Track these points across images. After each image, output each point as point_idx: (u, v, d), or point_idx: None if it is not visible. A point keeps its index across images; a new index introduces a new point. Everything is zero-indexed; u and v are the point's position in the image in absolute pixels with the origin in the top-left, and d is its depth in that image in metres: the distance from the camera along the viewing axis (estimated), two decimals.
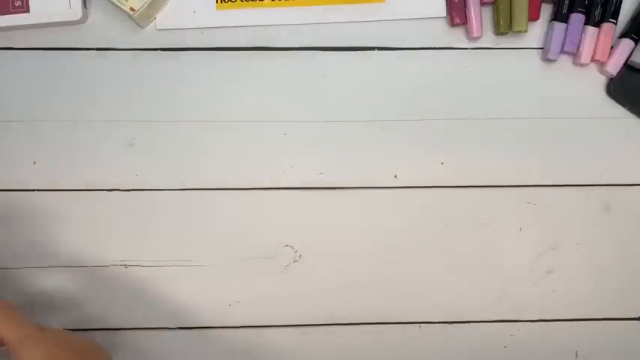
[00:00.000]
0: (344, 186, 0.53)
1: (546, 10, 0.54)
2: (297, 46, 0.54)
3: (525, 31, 0.52)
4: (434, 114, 0.54)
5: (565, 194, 0.54)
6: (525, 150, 0.54)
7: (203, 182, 0.53)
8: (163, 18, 0.53)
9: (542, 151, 0.54)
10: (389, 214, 0.53)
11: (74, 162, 0.53)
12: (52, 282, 0.53)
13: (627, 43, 0.53)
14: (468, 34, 0.53)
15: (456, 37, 0.54)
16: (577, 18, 0.53)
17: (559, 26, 0.53)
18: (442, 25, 0.54)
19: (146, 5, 0.50)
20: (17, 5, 0.51)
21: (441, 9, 0.54)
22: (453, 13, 0.53)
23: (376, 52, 0.54)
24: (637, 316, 0.54)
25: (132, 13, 0.50)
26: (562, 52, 0.53)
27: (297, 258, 0.53)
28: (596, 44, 0.53)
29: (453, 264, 0.54)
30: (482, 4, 0.53)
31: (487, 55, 0.54)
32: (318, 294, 0.53)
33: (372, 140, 0.53)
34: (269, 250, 0.53)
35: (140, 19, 0.52)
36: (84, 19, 0.52)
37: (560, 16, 0.53)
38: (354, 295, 0.53)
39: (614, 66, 0.53)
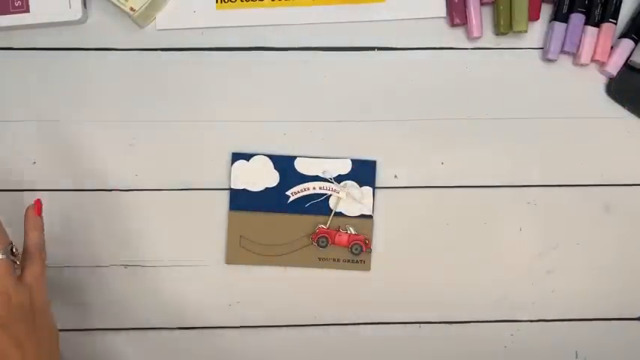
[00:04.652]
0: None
1: (546, 10, 0.54)
2: (297, 46, 0.54)
3: (525, 31, 0.52)
4: (434, 114, 0.54)
5: (565, 194, 0.54)
6: (525, 150, 0.54)
7: (203, 182, 0.53)
8: (163, 18, 0.53)
9: (542, 151, 0.54)
10: (389, 213, 0.53)
11: (74, 162, 0.53)
12: (51, 282, 0.53)
13: (627, 43, 0.53)
14: (468, 34, 0.53)
15: (456, 37, 0.54)
16: (577, 18, 0.53)
17: (559, 26, 0.53)
18: (442, 25, 0.54)
19: (146, 5, 0.50)
20: (17, 5, 0.51)
21: (441, 9, 0.54)
22: (453, 13, 0.53)
23: (376, 52, 0.54)
24: (637, 316, 0.54)
25: (132, 13, 0.50)
26: (562, 52, 0.53)
27: None
28: (596, 44, 0.53)
29: (453, 264, 0.54)
30: (482, 4, 0.53)
31: (487, 55, 0.54)
32: (318, 294, 0.53)
33: (372, 140, 0.53)
34: None
35: (140, 19, 0.52)
36: (84, 19, 0.53)
37: (560, 16, 0.53)
38: (354, 294, 0.53)
39: (614, 66, 0.53)
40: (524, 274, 0.54)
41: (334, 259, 0.53)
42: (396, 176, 0.54)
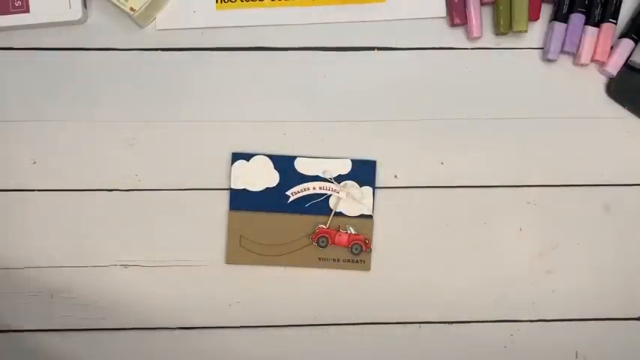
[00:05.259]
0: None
1: (546, 10, 0.54)
2: (297, 46, 0.54)
3: (525, 31, 0.52)
4: (434, 114, 0.54)
5: (565, 194, 0.54)
6: (525, 150, 0.54)
7: (203, 182, 0.53)
8: (163, 18, 0.53)
9: (542, 151, 0.54)
10: (389, 213, 0.53)
11: (74, 162, 0.53)
12: (52, 282, 0.53)
13: (627, 43, 0.53)
14: (468, 34, 0.53)
15: (456, 37, 0.54)
16: (577, 18, 0.53)
17: (559, 26, 0.53)
18: (442, 25, 0.54)
19: (146, 5, 0.50)
20: (17, 5, 0.51)
21: (441, 9, 0.54)
22: (453, 13, 0.53)
23: (376, 52, 0.54)
24: (637, 316, 0.54)
25: (132, 13, 0.50)
26: (562, 52, 0.53)
27: None
28: (596, 44, 0.53)
29: (453, 264, 0.54)
30: (482, 4, 0.53)
31: (487, 55, 0.54)
32: (318, 294, 0.53)
33: (372, 140, 0.53)
34: None
35: (140, 19, 0.52)
36: (84, 19, 0.53)
37: (560, 16, 0.53)
38: (353, 295, 0.53)
39: (614, 66, 0.53)
40: (524, 274, 0.54)
41: (334, 259, 0.53)
42: (396, 176, 0.54)
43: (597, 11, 0.53)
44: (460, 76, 0.54)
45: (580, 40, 0.53)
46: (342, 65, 0.54)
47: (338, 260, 0.52)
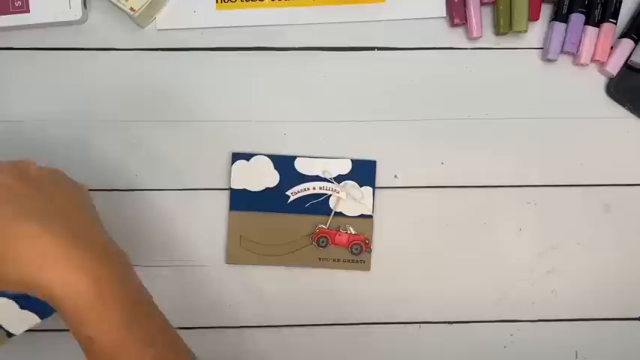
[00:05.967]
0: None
1: (546, 10, 0.54)
2: (297, 46, 0.54)
3: (525, 31, 0.52)
4: (434, 114, 0.54)
5: (565, 194, 0.54)
6: (525, 150, 0.54)
7: (202, 182, 0.53)
8: (163, 18, 0.53)
9: (542, 151, 0.54)
10: (389, 213, 0.53)
11: (74, 162, 0.53)
12: None
13: (627, 43, 0.53)
14: (468, 34, 0.53)
15: (456, 37, 0.54)
16: (577, 18, 0.53)
17: (559, 26, 0.53)
18: (442, 25, 0.54)
19: (146, 5, 0.50)
20: (17, 5, 0.51)
21: (441, 9, 0.54)
22: (453, 13, 0.53)
23: (376, 52, 0.54)
24: (637, 316, 0.54)
25: (132, 13, 0.50)
26: (562, 52, 0.53)
27: None
28: (596, 44, 0.53)
29: (453, 264, 0.54)
30: (482, 4, 0.53)
31: (487, 55, 0.54)
32: (318, 294, 0.53)
33: (372, 140, 0.53)
34: None
35: (140, 19, 0.52)
36: (84, 19, 0.53)
37: (560, 16, 0.53)
38: (354, 294, 0.53)
39: (614, 66, 0.53)
40: (524, 274, 0.54)
41: (334, 259, 0.53)
42: (396, 176, 0.54)
43: (597, 11, 0.53)
44: (460, 76, 0.54)
45: (580, 40, 0.53)
46: (342, 65, 0.54)
47: (338, 260, 0.52)
